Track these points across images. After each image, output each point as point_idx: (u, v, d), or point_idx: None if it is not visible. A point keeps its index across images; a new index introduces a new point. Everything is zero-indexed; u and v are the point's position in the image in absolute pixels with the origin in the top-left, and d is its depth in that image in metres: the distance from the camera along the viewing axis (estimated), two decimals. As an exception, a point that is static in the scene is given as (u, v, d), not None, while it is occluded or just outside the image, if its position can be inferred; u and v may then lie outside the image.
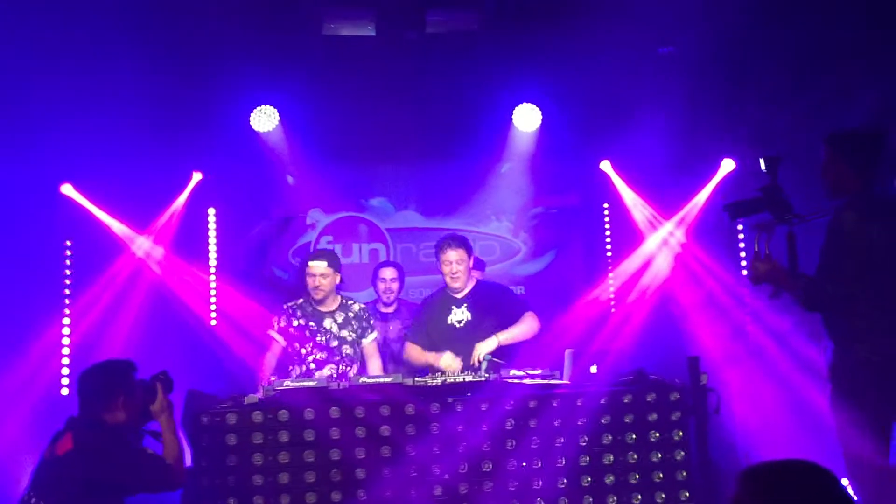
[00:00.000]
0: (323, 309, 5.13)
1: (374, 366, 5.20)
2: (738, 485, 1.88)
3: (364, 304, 5.43)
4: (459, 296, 5.20)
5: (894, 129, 3.88)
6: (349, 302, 5.25)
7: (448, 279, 5.17)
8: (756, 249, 3.82)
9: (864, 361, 3.60)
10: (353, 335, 5.15)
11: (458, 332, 5.11)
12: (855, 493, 3.64)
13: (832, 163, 3.76)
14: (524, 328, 5.07)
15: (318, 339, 5.06)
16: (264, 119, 6.60)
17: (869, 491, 3.59)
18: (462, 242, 5.17)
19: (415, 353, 5.20)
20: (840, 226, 3.64)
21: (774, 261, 3.78)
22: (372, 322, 5.28)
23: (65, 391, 6.27)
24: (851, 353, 3.63)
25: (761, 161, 3.83)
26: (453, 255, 5.11)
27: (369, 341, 5.21)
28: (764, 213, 3.84)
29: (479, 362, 4.81)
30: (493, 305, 5.15)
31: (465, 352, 4.94)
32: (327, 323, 5.11)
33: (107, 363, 3.73)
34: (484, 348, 4.89)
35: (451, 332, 5.12)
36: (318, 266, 5.10)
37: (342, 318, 5.15)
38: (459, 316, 5.15)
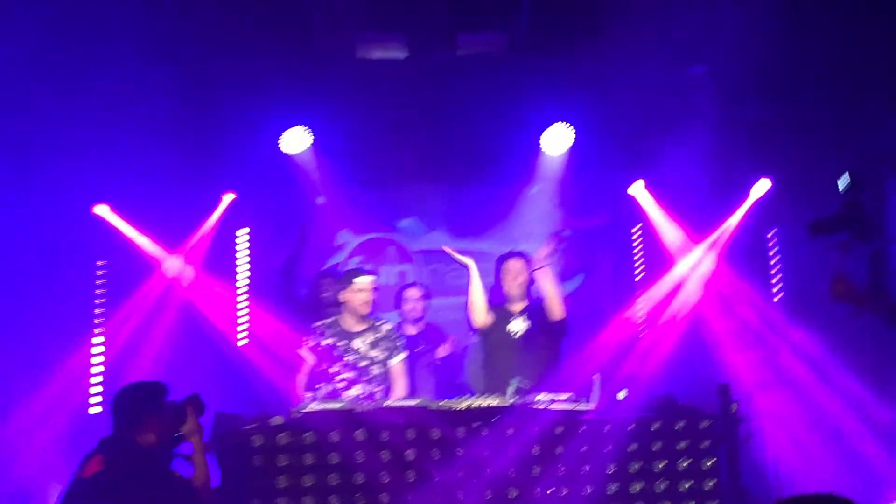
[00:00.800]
0: (352, 329, 5.13)
1: (400, 386, 5.15)
2: None
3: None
4: (517, 308, 5.25)
5: None
6: (378, 323, 5.23)
7: (508, 291, 5.26)
8: (838, 268, 3.75)
9: None
10: (383, 355, 5.11)
11: (514, 341, 5.16)
12: None
13: None
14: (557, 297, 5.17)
15: (347, 358, 5.04)
16: (296, 141, 6.65)
17: None
18: (521, 256, 5.30)
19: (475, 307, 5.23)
20: None
21: (854, 282, 3.71)
22: (399, 344, 5.25)
23: (95, 409, 6.33)
24: None
25: (842, 179, 3.76)
26: (512, 266, 5.25)
27: (396, 362, 5.16)
28: (844, 232, 3.77)
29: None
30: (550, 321, 5.18)
31: (516, 361, 4.98)
32: (356, 343, 5.08)
33: (138, 384, 3.73)
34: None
35: (508, 340, 5.17)
36: (367, 281, 5.16)
37: (372, 338, 5.12)
38: (516, 326, 5.21)
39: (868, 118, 5.67)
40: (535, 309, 5.22)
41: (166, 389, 3.74)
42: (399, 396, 5.02)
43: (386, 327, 5.23)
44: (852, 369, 5.51)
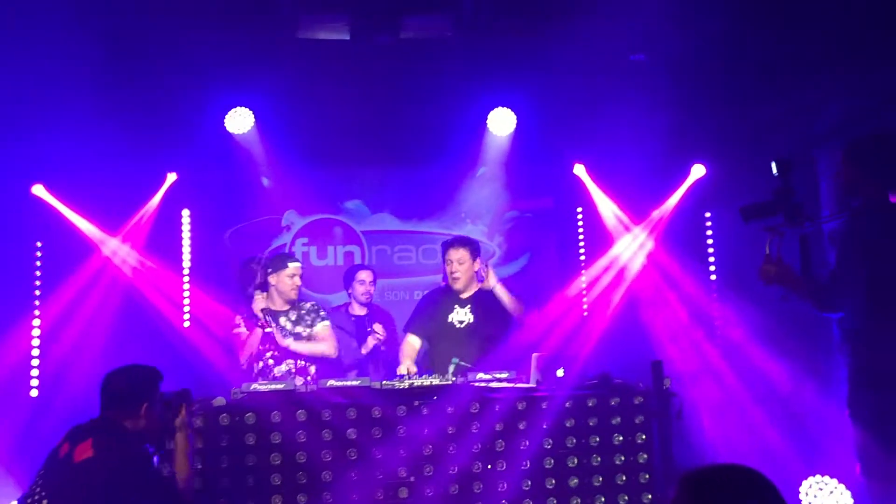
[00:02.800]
0: (277, 308, 5.34)
1: (328, 345, 5.37)
2: (677, 488, 1.93)
3: (335, 306, 5.58)
4: (464, 296, 5.28)
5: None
6: (300, 302, 5.47)
7: (450, 280, 5.28)
8: (767, 252, 3.85)
9: (888, 370, 3.58)
10: (308, 330, 5.37)
11: (457, 331, 5.23)
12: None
13: (849, 169, 3.77)
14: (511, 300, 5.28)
15: (276, 336, 5.26)
16: (239, 121, 6.59)
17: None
18: (465, 243, 5.30)
19: (408, 348, 5.31)
20: (855, 231, 3.70)
21: (785, 265, 3.82)
22: (322, 313, 5.47)
23: (34, 392, 6.24)
24: (873, 361, 3.63)
25: (773, 164, 3.83)
26: (454, 255, 5.24)
27: (321, 327, 5.40)
28: (776, 216, 3.85)
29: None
30: (496, 313, 5.24)
31: (461, 353, 5.00)
32: (282, 321, 5.34)
33: (133, 367, 3.65)
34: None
35: (451, 329, 5.24)
36: (298, 266, 5.43)
37: (295, 315, 5.39)
38: (462, 316, 5.22)
39: (804, 103, 5.84)
40: (483, 299, 5.27)
41: (161, 376, 3.69)
42: (328, 354, 5.29)
43: (308, 304, 5.48)
44: (780, 349, 5.71)
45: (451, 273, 5.25)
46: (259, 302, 5.28)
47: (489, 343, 5.09)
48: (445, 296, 5.37)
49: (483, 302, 5.28)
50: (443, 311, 5.29)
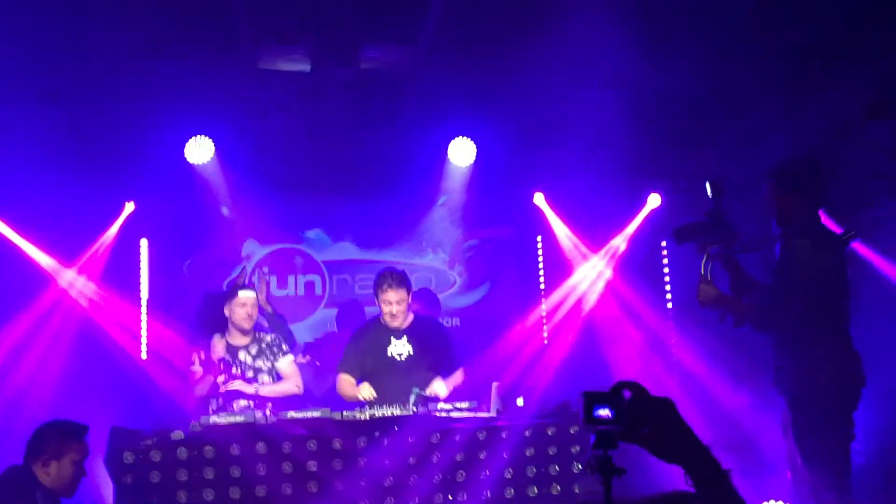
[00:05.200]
0: (238, 342, 5.22)
1: (292, 384, 5.26)
2: None
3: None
4: (399, 328, 5.14)
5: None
6: (259, 334, 5.38)
7: (388, 318, 5.09)
8: (702, 273, 3.94)
9: (825, 388, 3.71)
10: (269, 364, 5.27)
11: (398, 364, 5.06)
12: None
13: (779, 194, 3.91)
14: (457, 381, 5.09)
15: (234, 370, 5.16)
16: (199, 150, 6.58)
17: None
18: (402, 281, 5.07)
19: (347, 385, 5.11)
20: (793, 253, 3.81)
21: (713, 288, 3.91)
22: (284, 347, 5.38)
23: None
24: (813, 380, 3.73)
25: (707, 186, 3.92)
26: (393, 297, 5.01)
27: (284, 363, 5.30)
28: (709, 238, 3.93)
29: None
30: (435, 343, 5.16)
31: (402, 385, 4.89)
32: (241, 355, 5.23)
33: (57, 420, 3.77)
34: (441, 390, 4.87)
35: (392, 364, 5.07)
36: (251, 295, 5.25)
37: (256, 349, 5.27)
38: (400, 349, 5.12)
39: (747, 141, 6.01)
40: (418, 330, 5.18)
41: (80, 437, 3.80)
42: (295, 392, 5.19)
43: (268, 338, 5.37)
44: (735, 374, 5.82)
45: (391, 313, 5.04)
46: (217, 349, 5.11)
47: (433, 373, 5.03)
48: (378, 330, 5.18)
49: (419, 333, 5.16)
50: (380, 345, 5.12)
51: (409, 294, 5.14)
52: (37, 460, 3.61)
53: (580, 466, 4.33)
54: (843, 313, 3.85)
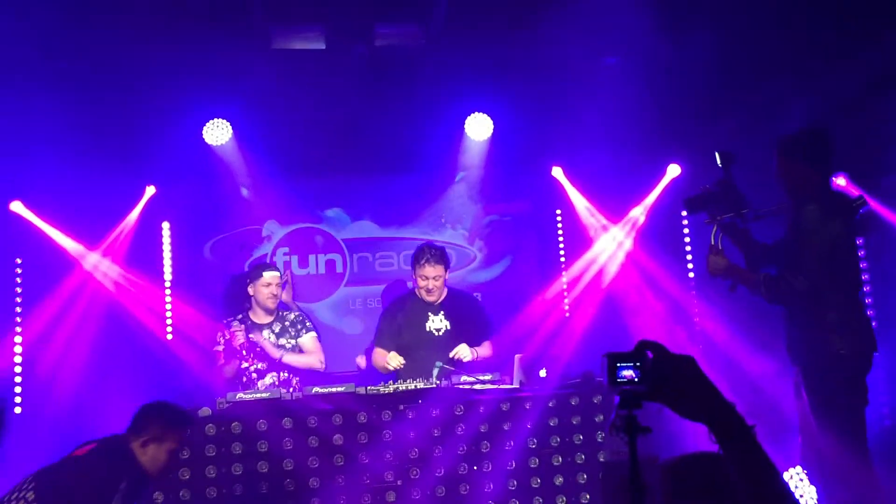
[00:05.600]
0: (262, 321, 5.26)
1: (315, 359, 5.34)
2: (659, 476, 1.99)
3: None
4: (436, 303, 5.19)
5: None
6: (284, 312, 5.43)
7: (423, 293, 5.14)
8: (712, 243, 3.96)
9: (837, 354, 3.73)
10: (292, 342, 5.33)
11: (437, 339, 5.10)
12: (818, 481, 3.76)
13: (789, 163, 3.92)
14: (484, 352, 5.12)
15: (258, 350, 5.22)
16: (217, 132, 6.60)
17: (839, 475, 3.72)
18: (441, 257, 5.13)
19: (380, 358, 5.14)
20: (804, 221, 3.81)
21: (726, 259, 3.92)
22: (308, 325, 5.44)
23: (17, 409, 6.20)
24: (825, 346, 3.75)
25: (717, 156, 3.95)
26: (431, 272, 5.06)
27: (307, 338, 5.37)
28: (719, 207, 3.96)
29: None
30: (471, 317, 5.21)
31: (439, 359, 4.95)
32: (266, 333, 5.29)
33: (167, 404, 3.79)
34: (465, 353, 4.91)
35: (430, 339, 5.11)
36: (275, 275, 5.34)
37: (279, 327, 5.33)
38: (438, 324, 5.17)
39: (768, 107, 5.95)
40: (454, 304, 5.22)
41: (186, 426, 3.83)
42: (315, 367, 5.26)
43: (292, 315, 5.42)
44: (759, 343, 5.80)
45: (426, 288, 5.09)
46: (238, 336, 5.15)
47: (470, 345, 5.09)
48: (415, 304, 5.23)
49: (455, 307, 5.22)
50: (418, 321, 5.18)
51: (446, 271, 5.19)
52: (137, 437, 3.60)
53: (603, 435, 4.35)
54: (853, 280, 3.86)
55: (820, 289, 3.75)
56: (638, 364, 1.79)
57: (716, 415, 1.71)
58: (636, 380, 1.78)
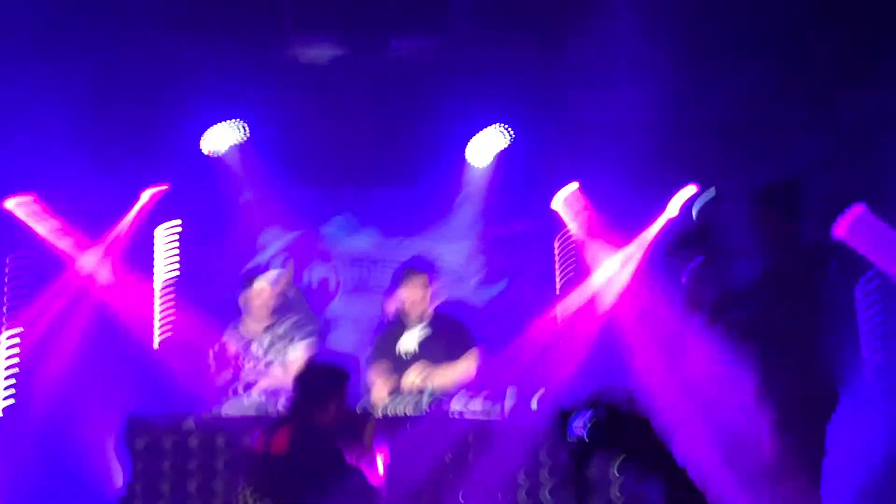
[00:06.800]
0: (254, 331, 5.14)
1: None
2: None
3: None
4: (416, 322, 5.11)
5: (831, 173, 4.14)
6: (279, 320, 5.30)
7: (402, 313, 5.12)
8: (684, 282, 4.05)
9: (799, 401, 3.75)
10: (281, 355, 5.17)
11: (406, 361, 5.00)
12: None
13: (766, 214, 4.01)
14: (458, 371, 4.90)
15: (248, 361, 5.13)
16: (221, 137, 6.56)
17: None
18: (417, 275, 5.08)
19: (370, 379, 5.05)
20: (784, 267, 3.89)
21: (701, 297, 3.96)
22: (299, 334, 5.26)
23: (4, 403, 6.13)
24: (789, 393, 3.78)
25: (695, 203, 4.02)
26: (404, 293, 5.04)
27: (295, 351, 5.17)
28: (695, 249, 4.03)
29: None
30: (445, 335, 5.05)
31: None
32: (254, 346, 5.16)
33: (326, 365, 3.76)
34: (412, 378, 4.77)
35: (400, 360, 5.03)
36: (263, 284, 5.25)
37: (269, 339, 5.20)
38: (407, 345, 5.05)
39: (780, 137, 5.92)
40: (434, 323, 5.11)
41: (349, 376, 3.74)
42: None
43: (284, 326, 5.24)
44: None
45: (403, 309, 5.09)
46: (230, 346, 5.08)
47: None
48: (394, 325, 5.19)
49: (433, 326, 5.10)
50: (392, 341, 5.12)
51: (424, 289, 5.06)
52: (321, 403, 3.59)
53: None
54: (817, 329, 3.88)
55: (785, 336, 3.80)
56: (590, 419, 1.75)
57: (666, 478, 1.69)
58: (585, 439, 1.75)
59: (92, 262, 6.41)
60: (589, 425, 1.73)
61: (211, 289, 6.55)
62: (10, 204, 6.25)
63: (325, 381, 3.60)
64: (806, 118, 5.83)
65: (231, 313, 5.57)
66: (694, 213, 4.11)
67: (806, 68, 5.51)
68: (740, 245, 4.09)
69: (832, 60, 5.50)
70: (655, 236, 6.92)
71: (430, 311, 5.15)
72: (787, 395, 3.81)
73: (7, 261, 6.31)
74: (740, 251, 4.09)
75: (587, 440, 1.73)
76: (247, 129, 6.53)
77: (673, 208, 6.87)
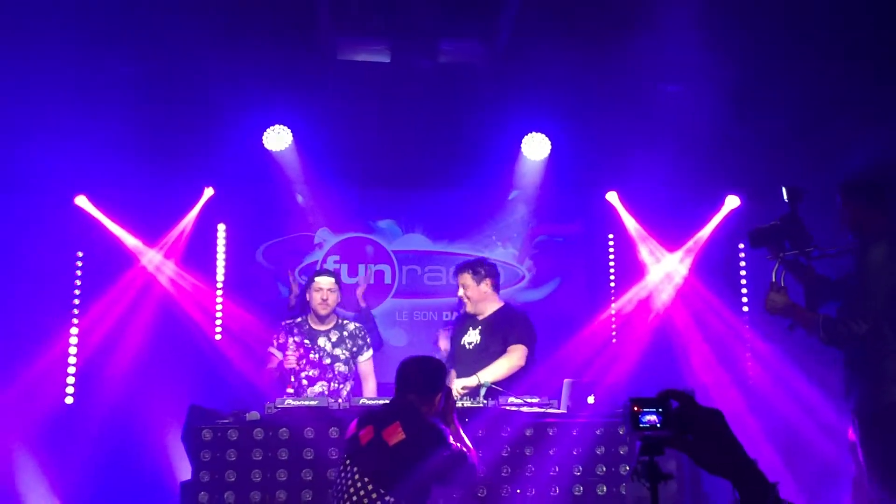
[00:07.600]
0: (319, 327, 5.26)
1: (370, 385, 5.30)
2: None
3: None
4: (480, 318, 5.19)
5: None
6: (344, 321, 5.39)
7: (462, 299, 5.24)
8: (773, 280, 3.86)
9: (892, 405, 3.60)
10: (347, 353, 5.27)
11: (467, 353, 5.09)
12: None
13: (855, 207, 3.87)
14: (504, 366, 4.87)
15: (312, 356, 5.20)
16: (277, 138, 6.70)
17: None
18: (469, 267, 5.18)
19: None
20: (870, 261, 3.72)
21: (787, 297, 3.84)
22: (368, 340, 5.39)
23: (69, 400, 6.34)
24: (882, 397, 3.63)
25: (783, 190, 3.89)
26: (460, 282, 5.21)
27: (365, 359, 5.33)
28: (783, 243, 3.90)
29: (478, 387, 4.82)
30: (502, 331, 5.09)
31: (469, 373, 4.88)
32: (321, 341, 5.24)
33: (429, 359, 3.85)
34: (463, 382, 4.79)
35: (461, 352, 5.13)
36: (327, 281, 5.26)
37: (336, 336, 5.28)
38: (471, 338, 5.16)
39: (834, 145, 5.85)
40: (495, 319, 5.14)
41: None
42: (371, 393, 5.13)
43: (352, 326, 5.37)
44: (815, 380, 5.66)
45: (463, 297, 5.21)
46: (290, 360, 5.05)
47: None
48: (464, 318, 5.32)
49: (493, 323, 5.13)
50: (459, 334, 5.25)
51: (476, 281, 5.15)
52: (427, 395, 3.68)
53: (627, 468, 4.29)
54: None
55: (880, 334, 3.63)
56: (661, 410, 1.76)
57: (737, 470, 1.69)
58: (658, 425, 1.76)
59: (156, 258, 6.62)
60: (662, 416, 1.74)
61: (266, 284, 6.70)
62: (81, 201, 6.49)
63: (431, 377, 3.72)
64: (861, 124, 5.74)
65: (298, 307, 5.66)
66: (786, 196, 3.90)
67: (863, 69, 5.41)
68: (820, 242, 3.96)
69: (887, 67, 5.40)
70: (708, 237, 6.91)
71: (495, 306, 5.22)
72: (873, 401, 3.66)
73: (77, 255, 6.53)
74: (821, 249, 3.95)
75: (660, 427, 1.74)
76: (290, 134, 6.64)
77: (728, 207, 6.85)
